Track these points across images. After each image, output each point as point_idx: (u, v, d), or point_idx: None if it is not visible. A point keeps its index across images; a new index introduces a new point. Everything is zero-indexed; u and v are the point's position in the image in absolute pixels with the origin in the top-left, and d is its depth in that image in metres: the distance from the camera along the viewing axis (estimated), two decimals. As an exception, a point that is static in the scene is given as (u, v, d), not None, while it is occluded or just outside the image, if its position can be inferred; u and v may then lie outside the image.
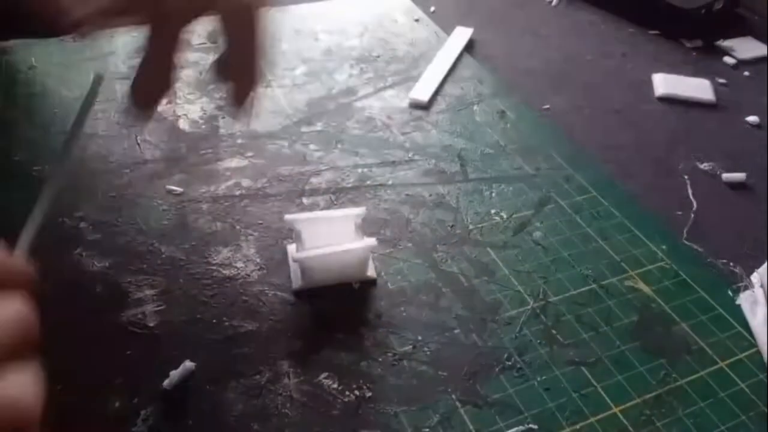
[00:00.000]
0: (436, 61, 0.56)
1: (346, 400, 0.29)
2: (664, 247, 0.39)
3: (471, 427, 0.29)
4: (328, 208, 0.40)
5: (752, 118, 0.54)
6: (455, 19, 0.65)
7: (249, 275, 0.35)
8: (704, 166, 0.48)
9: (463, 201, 0.41)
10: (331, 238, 0.34)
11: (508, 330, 0.33)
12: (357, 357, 0.31)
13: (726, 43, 0.64)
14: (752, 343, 0.34)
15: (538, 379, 0.31)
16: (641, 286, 0.37)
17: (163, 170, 0.42)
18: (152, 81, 0.30)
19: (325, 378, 0.30)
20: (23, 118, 0.45)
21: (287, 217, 0.35)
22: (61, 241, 0.36)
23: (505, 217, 0.41)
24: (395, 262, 0.37)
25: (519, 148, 0.47)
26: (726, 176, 0.47)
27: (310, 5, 0.64)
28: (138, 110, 0.29)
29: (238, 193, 0.40)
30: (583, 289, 0.36)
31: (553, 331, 0.34)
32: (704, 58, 0.63)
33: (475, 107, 0.51)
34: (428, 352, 0.32)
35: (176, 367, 0.30)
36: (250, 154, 0.44)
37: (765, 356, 0.33)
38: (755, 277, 0.37)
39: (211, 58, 0.53)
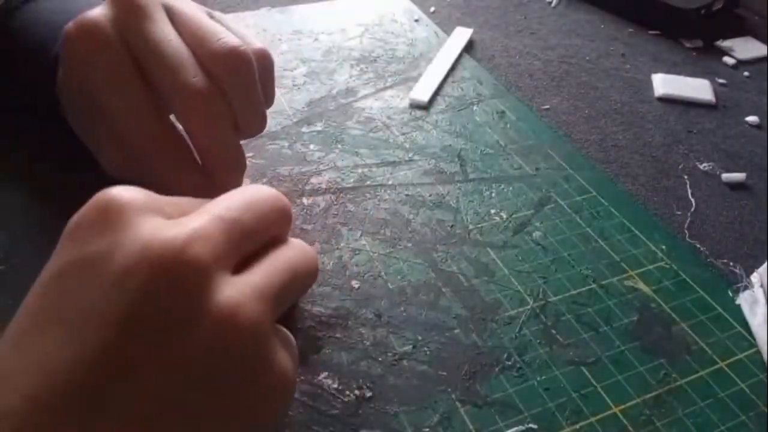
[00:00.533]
0: (436, 61, 0.56)
1: (346, 400, 0.29)
2: (664, 247, 0.39)
3: (471, 427, 0.29)
4: (328, 208, 0.40)
5: (752, 118, 0.54)
6: (455, 20, 0.65)
7: (249, 275, 0.35)
8: (704, 166, 0.48)
9: (463, 201, 0.41)
10: None
11: (508, 330, 0.33)
12: (357, 357, 0.31)
13: (726, 43, 0.64)
14: (752, 343, 0.34)
15: (538, 379, 0.31)
16: (641, 286, 0.37)
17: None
18: None
19: (325, 378, 0.30)
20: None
21: None
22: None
23: (504, 217, 0.41)
24: (395, 262, 0.37)
25: (519, 148, 0.47)
26: (726, 176, 0.47)
27: (310, 5, 0.64)
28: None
29: (238, 193, 0.40)
30: (582, 289, 0.36)
31: (553, 331, 0.34)
32: (704, 58, 0.63)
33: (475, 107, 0.51)
34: (428, 352, 0.32)
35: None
36: (250, 154, 0.44)
37: (765, 356, 0.33)
38: (755, 277, 0.37)
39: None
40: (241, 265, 0.22)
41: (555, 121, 0.51)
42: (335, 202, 0.40)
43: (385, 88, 0.52)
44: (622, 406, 0.30)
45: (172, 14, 0.30)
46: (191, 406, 0.19)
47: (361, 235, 0.38)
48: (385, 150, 0.45)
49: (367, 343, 0.32)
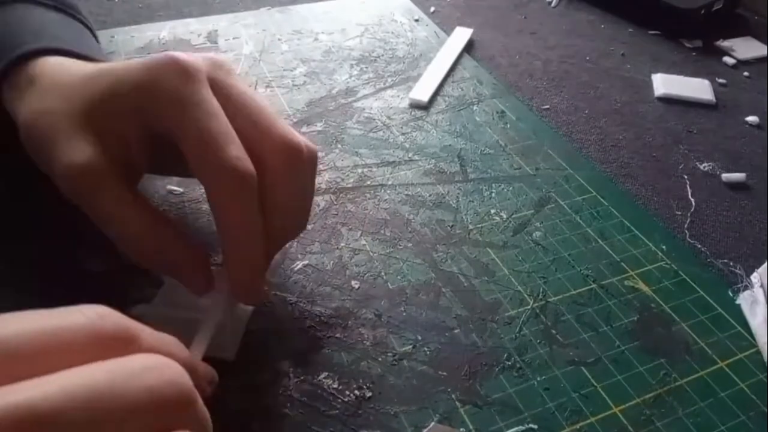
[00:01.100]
0: (436, 61, 0.56)
1: (346, 400, 0.29)
2: (664, 247, 0.39)
3: (471, 427, 0.29)
4: (328, 208, 0.40)
5: (752, 118, 0.54)
6: (455, 19, 0.65)
7: (249, 275, 0.35)
8: (704, 166, 0.48)
9: (463, 201, 0.41)
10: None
11: (508, 330, 0.33)
12: (357, 357, 0.31)
13: (726, 43, 0.64)
14: (752, 343, 0.34)
15: (538, 379, 0.31)
16: (641, 286, 0.37)
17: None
18: None
19: (325, 378, 0.30)
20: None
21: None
22: (62, 240, 0.36)
23: (504, 217, 0.41)
24: (395, 262, 0.37)
25: (519, 148, 0.47)
26: (726, 176, 0.47)
27: (310, 5, 0.64)
28: None
29: (238, 193, 0.40)
30: (583, 289, 0.36)
31: (553, 331, 0.34)
32: (704, 58, 0.63)
33: (475, 107, 0.51)
34: (428, 352, 0.32)
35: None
36: (250, 154, 0.44)
37: (765, 356, 0.33)
38: (755, 277, 0.37)
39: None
40: None
41: (555, 121, 0.51)
42: (335, 202, 0.40)
43: (385, 88, 0.52)
44: (622, 406, 0.30)
45: (216, 85, 0.28)
46: None
47: (361, 235, 0.38)
48: (385, 150, 0.45)
49: (367, 343, 0.32)
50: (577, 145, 0.49)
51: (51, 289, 0.33)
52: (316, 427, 0.28)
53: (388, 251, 0.37)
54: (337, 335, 0.32)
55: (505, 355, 0.32)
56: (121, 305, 0.32)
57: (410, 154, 0.45)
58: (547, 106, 0.53)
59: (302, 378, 0.30)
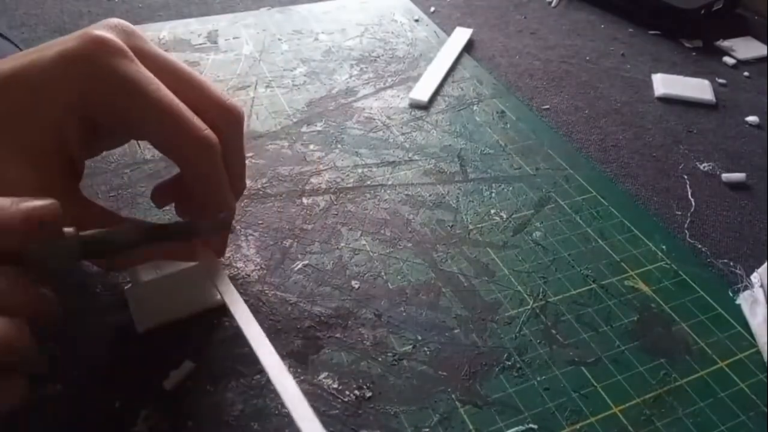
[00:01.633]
0: (436, 61, 0.56)
1: (346, 400, 0.29)
2: (664, 247, 0.39)
3: (471, 427, 0.29)
4: (328, 208, 0.40)
5: (752, 118, 0.54)
6: (455, 19, 0.65)
7: (249, 275, 0.35)
8: (704, 166, 0.48)
9: (463, 201, 0.41)
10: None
11: (508, 330, 0.33)
12: (357, 357, 0.31)
13: (726, 43, 0.64)
14: (752, 343, 0.34)
15: (538, 379, 0.31)
16: (641, 286, 0.37)
17: (163, 170, 0.41)
18: None
19: (325, 378, 0.30)
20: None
21: None
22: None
23: (504, 217, 0.41)
24: (395, 262, 0.37)
25: (519, 148, 0.47)
26: (726, 176, 0.47)
27: (310, 5, 0.64)
28: None
29: (238, 193, 0.40)
30: (583, 289, 0.36)
31: (553, 331, 0.34)
32: (704, 58, 0.63)
33: (475, 107, 0.51)
34: (428, 352, 0.32)
35: (176, 367, 0.30)
36: (250, 154, 0.44)
37: (765, 356, 0.33)
38: (755, 277, 0.37)
39: (210, 59, 0.53)
40: None
41: (555, 121, 0.51)
42: (335, 202, 0.40)
43: (385, 88, 0.52)
44: (622, 406, 0.30)
45: (141, 57, 0.27)
46: None
47: (361, 235, 0.38)
48: (385, 150, 0.45)
49: (367, 343, 0.32)
50: (577, 145, 0.49)
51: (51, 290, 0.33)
52: (316, 427, 0.28)
53: (388, 251, 0.37)
54: (337, 335, 0.32)
55: (505, 355, 0.32)
56: (121, 305, 0.33)
57: (410, 154, 0.45)
58: (547, 106, 0.53)
59: (302, 378, 0.30)
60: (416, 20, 0.63)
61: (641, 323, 0.34)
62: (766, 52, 0.64)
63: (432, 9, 0.67)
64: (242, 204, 0.40)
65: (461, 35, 0.60)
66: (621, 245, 0.39)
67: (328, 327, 0.33)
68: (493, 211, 0.41)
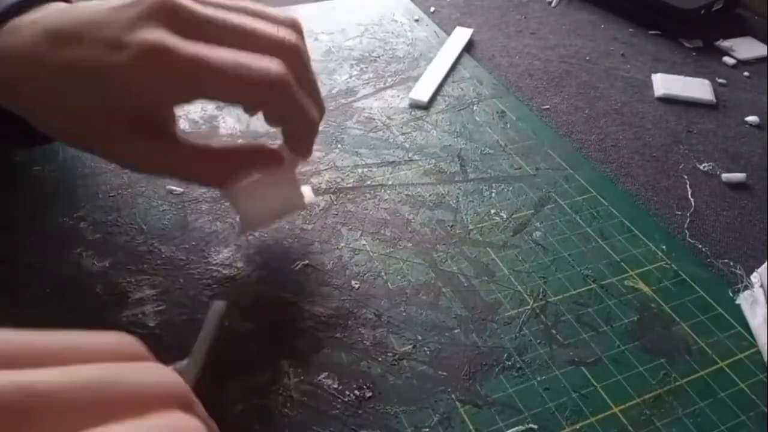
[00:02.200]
0: (436, 61, 0.56)
1: (346, 400, 0.29)
2: (664, 247, 0.39)
3: (471, 427, 0.29)
4: (328, 208, 0.40)
5: (752, 118, 0.54)
6: (455, 19, 0.65)
7: (249, 275, 0.35)
8: (704, 166, 0.48)
9: (463, 201, 0.41)
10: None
11: (508, 330, 0.33)
12: (357, 357, 0.31)
13: (726, 43, 0.64)
14: (752, 343, 0.34)
15: (538, 379, 0.31)
16: (641, 286, 0.37)
17: (163, 170, 0.41)
18: None
19: (325, 378, 0.30)
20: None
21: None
22: (61, 240, 0.36)
23: (505, 217, 0.41)
24: (395, 262, 0.37)
25: (519, 148, 0.47)
26: (726, 176, 0.47)
27: (310, 5, 0.64)
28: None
29: (238, 193, 0.40)
30: (583, 289, 0.36)
31: (553, 331, 0.34)
32: (704, 58, 0.63)
33: (475, 107, 0.51)
34: (428, 352, 0.32)
35: (176, 367, 0.30)
36: (250, 154, 0.44)
37: (765, 356, 0.33)
38: (755, 277, 0.37)
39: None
40: None
41: (555, 121, 0.51)
42: (335, 202, 0.40)
43: (385, 88, 0.52)
44: (622, 406, 0.30)
45: (194, 25, 0.29)
46: None
47: (361, 235, 0.38)
48: (385, 150, 0.45)
49: (367, 343, 0.32)
50: (577, 145, 0.49)
51: (51, 290, 0.33)
52: (316, 427, 0.28)
53: (388, 251, 0.37)
54: (337, 335, 0.32)
55: (505, 355, 0.32)
56: (121, 305, 0.33)
57: (410, 154, 0.45)
58: (547, 106, 0.53)
59: (302, 378, 0.30)
60: (416, 20, 0.63)
61: (641, 323, 0.34)
62: (766, 52, 0.64)
63: (432, 9, 0.67)
64: (242, 204, 0.40)
65: (461, 35, 0.60)
66: (621, 245, 0.39)
67: (328, 327, 0.33)
68: (493, 211, 0.41)
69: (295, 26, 0.31)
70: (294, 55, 0.30)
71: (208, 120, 0.47)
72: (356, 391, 0.30)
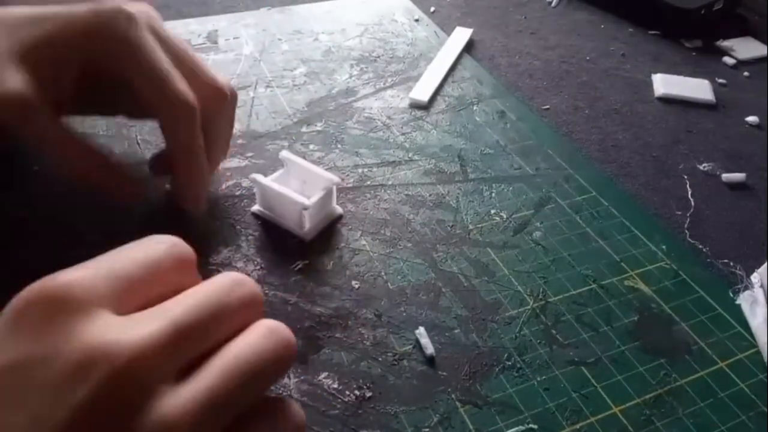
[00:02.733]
0: (436, 61, 0.56)
1: (346, 400, 0.29)
2: (664, 247, 0.39)
3: (471, 427, 0.29)
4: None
5: (752, 118, 0.54)
6: (455, 19, 0.65)
7: (249, 275, 0.35)
8: (704, 166, 0.48)
9: (463, 201, 0.41)
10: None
11: (508, 330, 0.33)
12: (357, 357, 0.31)
13: (726, 43, 0.64)
14: (752, 343, 0.34)
15: (538, 379, 0.31)
16: (641, 286, 0.37)
17: (163, 170, 0.41)
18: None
19: (325, 378, 0.30)
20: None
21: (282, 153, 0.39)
22: (62, 240, 0.36)
23: (505, 217, 0.41)
24: (395, 262, 0.37)
25: (519, 148, 0.47)
26: (726, 176, 0.47)
27: (310, 5, 0.64)
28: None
29: (238, 193, 0.40)
30: (583, 289, 0.36)
31: (553, 331, 0.34)
32: (704, 58, 0.63)
33: (475, 107, 0.51)
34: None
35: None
36: (250, 154, 0.44)
37: (765, 356, 0.33)
38: (755, 277, 0.37)
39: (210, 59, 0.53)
40: (190, 366, 0.19)
41: (555, 121, 0.51)
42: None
43: (385, 88, 0.52)
44: (622, 406, 0.30)
45: (158, 38, 0.33)
46: None
47: (361, 235, 0.38)
48: (385, 150, 0.45)
49: (367, 343, 0.32)
50: (577, 145, 0.49)
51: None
52: (316, 427, 0.28)
53: (388, 251, 0.37)
54: (337, 335, 0.32)
55: (505, 355, 0.32)
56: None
57: (410, 154, 0.45)
58: (547, 106, 0.53)
59: (302, 378, 0.30)
60: (416, 20, 0.63)
61: (641, 323, 0.34)
62: (766, 52, 0.64)
63: (432, 9, 0.67)
64: (242, 204, 0.40)
65: (461, 35, 0.60)
66: (621, 245, 0.39)
67: (328, 327, 0.33)
68: (493, 211, 0.41)
69: (225, 90, 0.35)
70: (218, 99, 0.35)
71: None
72: (356, 391, 0.30)
